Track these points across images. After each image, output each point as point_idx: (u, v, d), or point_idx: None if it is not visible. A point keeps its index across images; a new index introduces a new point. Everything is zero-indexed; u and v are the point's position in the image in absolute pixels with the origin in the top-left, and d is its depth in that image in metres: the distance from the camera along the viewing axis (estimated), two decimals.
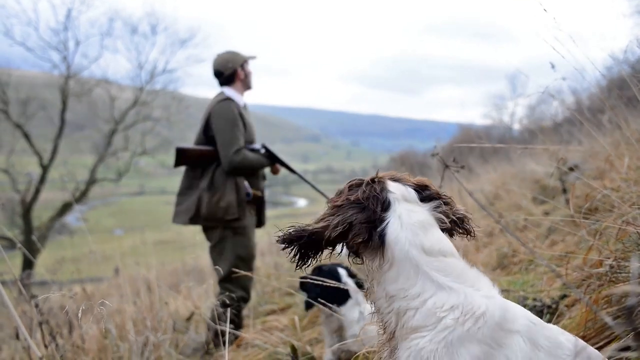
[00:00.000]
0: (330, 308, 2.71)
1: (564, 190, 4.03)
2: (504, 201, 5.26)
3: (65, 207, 18.37)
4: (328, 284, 2.56)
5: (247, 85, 3.99)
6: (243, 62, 3.94)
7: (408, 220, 1.38)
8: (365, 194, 1.41)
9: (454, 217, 1.48)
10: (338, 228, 1.39)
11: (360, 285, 2.82)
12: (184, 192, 3.82)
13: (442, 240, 1.40)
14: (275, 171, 4.10)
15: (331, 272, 2.82)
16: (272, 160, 3.98)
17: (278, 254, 7.17)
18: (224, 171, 3.70)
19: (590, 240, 2.74)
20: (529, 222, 4.21)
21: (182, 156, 3.75)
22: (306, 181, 4.24)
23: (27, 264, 12.76)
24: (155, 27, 20.41)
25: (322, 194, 3.90)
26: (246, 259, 3.80)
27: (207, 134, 3.78)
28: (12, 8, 17.57)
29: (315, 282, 2.51)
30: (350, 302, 2.81)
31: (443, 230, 1.45)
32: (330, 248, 1.46)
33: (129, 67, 17.86)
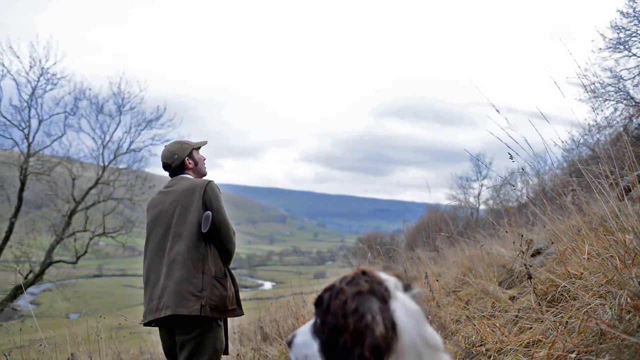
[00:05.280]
0: None
1: (529, 276, 4.01)
2: (471, 286, 5.21)
3: (18, 290, 17.56)
4: None
5: (199, 173, 3.90)
6: (190, 151, 3.86)
7: (412, 308, 1.28)
8: (369, 283, 1.31)
9: None
10: (362, 320, 1.23)
11: None
12: (194, 275, 3.44)
13: (434, 332, 1.31)
14: None
15: None
16: None
17: (241, 343, 6.89)
18: (219, 257, 3.58)
19: (554, 333, 2.70)
20: (496, 308, 4.15)
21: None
22: None
23: None
24: (121, 107, 20.37)
25: None
26: (220, 353, 3.55)
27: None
28: None
29: None
30: None
31: None
32: None
33: (92, 145, 17.92)
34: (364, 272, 1.37)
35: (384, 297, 1.29)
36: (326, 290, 1.38)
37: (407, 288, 1.37)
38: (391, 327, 1.24)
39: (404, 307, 1.28)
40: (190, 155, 3.83)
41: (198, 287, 3.39)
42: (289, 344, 1.43)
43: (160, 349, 7.97)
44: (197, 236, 3.50)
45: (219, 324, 3.54)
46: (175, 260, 3.46)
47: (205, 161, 3.97)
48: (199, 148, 3.95)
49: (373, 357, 1.23)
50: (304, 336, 1.40)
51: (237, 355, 6.28)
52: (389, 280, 1.35)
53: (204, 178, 3.80)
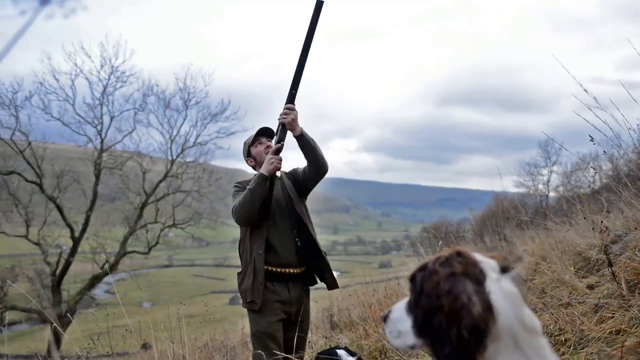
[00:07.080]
0: None
1: (610, 264, 3.80)
2: (546, 274, 5.01)
3: (95, 280, 18.43)
4: None
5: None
6: (247, 150, 3.82)
7: (508, 290, 1.23)
8: (462, 264, 1.28)
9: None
10: (457, 301, 1.21)
11: None
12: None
13: (532, 315, 1.26)
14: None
15: (330, 354, 3.01)
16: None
17: (312, 331, 6.92)
18: (245, 250, 3.63)
19: None
20: (573, 297, 3.97)
21: None
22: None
23: (56, 338, 12.65)
24: (187, 102, 20.86)
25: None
26: (261, 337, 3.48)
27: None
28: (51, 85, 18.09)
29: None
30: None
31: None
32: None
33: (161, 140, 18.55)
34: (458, 253, 1.33)
35: (479, 279, 1.25)
36: (420, 269, 1.36)
37: (504, 270, 1.32)
38: (488, 308, 1.19)
39: (500, 288, 1.23)
40: (248, 155, 3.84)
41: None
42: (385, 318, 1.44)
43: (230, 336, 8.17)
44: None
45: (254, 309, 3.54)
46: None
47: (267, 148, 3.69)
48: (258, 139, 3.78)
49: (473, 338, 1.20)
50: (399, 312, 1.41)
51: (309, 342, 6.31)
52: (485, 261, 1.31)
53: None
